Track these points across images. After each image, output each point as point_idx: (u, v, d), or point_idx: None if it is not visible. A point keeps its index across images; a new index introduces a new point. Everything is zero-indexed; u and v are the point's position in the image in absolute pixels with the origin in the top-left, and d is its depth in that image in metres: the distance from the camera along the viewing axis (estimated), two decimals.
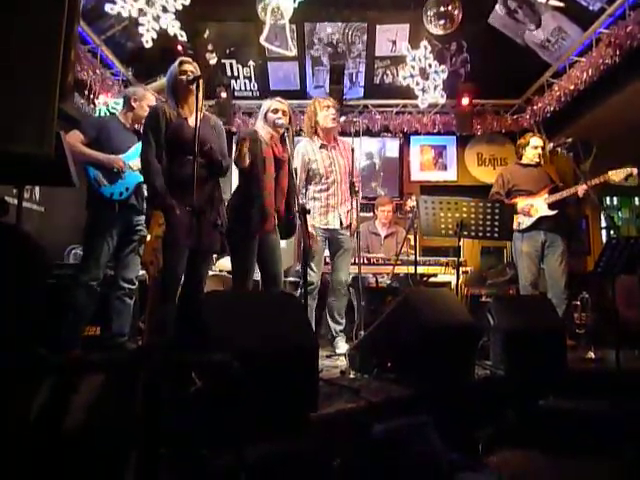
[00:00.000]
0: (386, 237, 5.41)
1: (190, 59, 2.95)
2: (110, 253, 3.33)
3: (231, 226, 3.07)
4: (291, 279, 5.01)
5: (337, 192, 3.83)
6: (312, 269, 3.71)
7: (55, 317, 3.05)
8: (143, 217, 3.46)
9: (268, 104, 3.33)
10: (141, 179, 3.38)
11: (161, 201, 2.64)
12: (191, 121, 2.84)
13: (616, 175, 3.92)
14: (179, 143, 2.78)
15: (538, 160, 4.46)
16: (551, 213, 4.23)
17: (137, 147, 3.43)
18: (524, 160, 4.52)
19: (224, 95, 6.50)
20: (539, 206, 4.27)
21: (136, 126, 3.57)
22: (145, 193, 3.44)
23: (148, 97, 3.58)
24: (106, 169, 3.33)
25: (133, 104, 3.51)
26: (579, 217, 7.09)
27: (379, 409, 2.20)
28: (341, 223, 3.84)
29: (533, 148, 4.45)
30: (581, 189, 4.06)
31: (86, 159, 3.30)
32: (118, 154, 3.39)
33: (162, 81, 5.27)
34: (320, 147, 3.83)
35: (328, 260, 4.05)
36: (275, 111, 3.27)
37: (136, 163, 3.37)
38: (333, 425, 2.01)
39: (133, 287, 3.46)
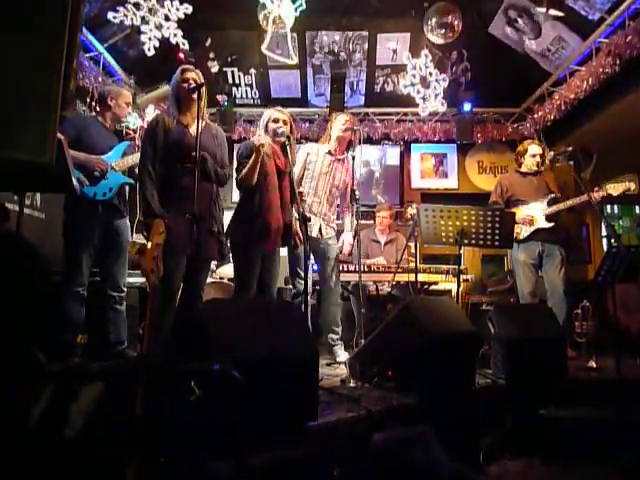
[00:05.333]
0: (386, 244, 5.40)
1: (193, 67, 2.98)
2: (92, 256, 3.27)
3: (236, 239, 3.06)
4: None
5: (323, 201, 3.83)
6: (301, 277, 3.66)
7: (53, 325, 3.04)
8: (124, 220, 3.45)
9: (268, 114, 3.30)
10: (124, 180, 3.38)
11: (151, 211, 2.66)
12: (192, 129, 2.85)
13: (614, 189, 3.92)
14: (179, 151, 2.78)
15: (537, 168, 4.44)
16: (547, 225, 4.22)
17: (119, 147, 3.43)
18: (523, 169, 4.51)
19: (225, 103, 6.54)
20: (537, 217, 4.26)
21: (117, 126, 3.56)
22: (127, 195, 3.47)
23: (124, 94, 3.52)
24: (87, 170, 3.25)
25: (110, 103, 3.46)
26: (579, 225, 7.08)
27: (379, 418, 2.19)
28: (320, 233, 3.79)
29: (531, 156, 4.43)
30: (579, 201, 4.05)
31: None
32: (101, 154, 3.33)
33: (163, 89, 5.30)
34: (327, 152, 3.85)
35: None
36: (276, 121, 3.24)
37: (119, 164, 3.36)
38: (333, 434, 2.00)
39: (122, 294, 3.40)
